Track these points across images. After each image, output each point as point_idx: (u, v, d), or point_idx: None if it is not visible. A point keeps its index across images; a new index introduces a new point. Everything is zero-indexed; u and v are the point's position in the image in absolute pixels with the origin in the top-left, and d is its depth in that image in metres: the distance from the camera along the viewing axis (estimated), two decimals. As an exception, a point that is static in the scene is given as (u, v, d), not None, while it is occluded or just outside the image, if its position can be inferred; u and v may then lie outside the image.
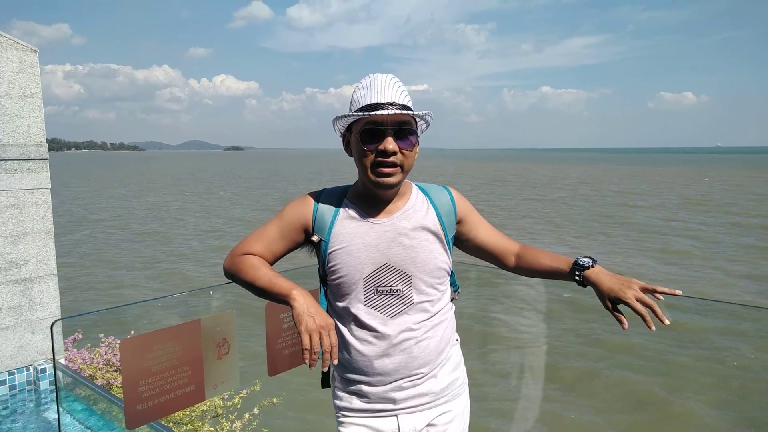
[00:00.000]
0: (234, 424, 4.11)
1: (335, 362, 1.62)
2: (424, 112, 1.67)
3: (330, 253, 1.71)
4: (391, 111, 1.57)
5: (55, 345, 3.74)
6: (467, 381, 1.93)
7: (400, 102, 1.63)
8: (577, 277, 1.72)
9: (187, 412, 4.05)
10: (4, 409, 3.78)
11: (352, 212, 1.73)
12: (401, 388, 1.72)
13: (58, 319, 3.58)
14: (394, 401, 1.73)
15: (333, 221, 1.73)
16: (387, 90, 1.63)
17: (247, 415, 4.16)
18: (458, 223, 1.84)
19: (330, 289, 1.77)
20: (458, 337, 1.93)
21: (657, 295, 1.62)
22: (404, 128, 1.62)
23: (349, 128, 1.71)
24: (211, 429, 4.00)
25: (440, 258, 1.75)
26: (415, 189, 1.83)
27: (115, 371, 4.41)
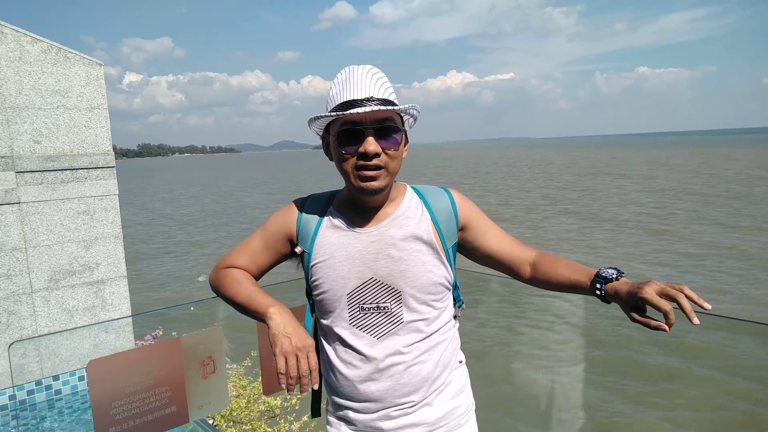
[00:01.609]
0: (292, 425, 4.09)
1: (315, 387, 1.52)
2: (407, 105, 1.45)
3: (312, 266, 1.55)
4: (369, 108, 1.36)
5: (14, 367, 3.80)
6: (473, 408, 1.68)
7: (380, 96, 1.42)
8: (598, 291, 1.41)
9: (246, 412, 4.10)
10: (83, 402, 4.05)
11: (336, 221, 1.55)
12: (389, 417, 1.52)
13: (16, 341, 3.74)
14: (382, 431, 1.52)
15: (316, 231, 1.56)
16: (364, 84, 1.43)
17: (305, 417, 4.13)
18: (461, 230, 1.60)
19: (315, 305, 1.61)
20: (462, 359, 1.69)
21: (682, 301, 1.23)
22: (386, 126, 1.42)
23: (327, 129, 1.52)
24: (269, 429, 4.02)
25: (435, 271, 1.52)
26: (409, 193, 1.60)
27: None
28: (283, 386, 1.40)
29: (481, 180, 42.25)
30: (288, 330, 1.42)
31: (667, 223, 18.42)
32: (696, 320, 1.21)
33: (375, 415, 1.51)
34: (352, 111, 1.36)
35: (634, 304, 1.31)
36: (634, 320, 1.33)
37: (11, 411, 3.78)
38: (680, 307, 1.22)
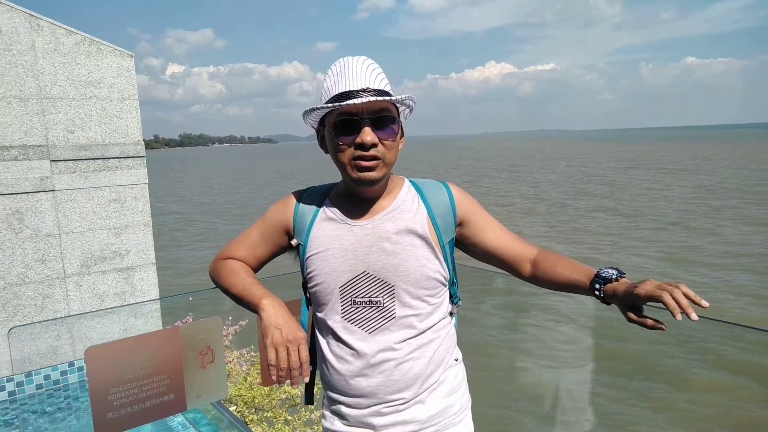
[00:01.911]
0: (312, 414, 4.12)
1: (306, 380, 1.53)
2: (404, 96, 1.45)
3: (307, 258, 1.56)
4: (365, 98, 1.36)
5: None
6: (469, 408, 1.66)
7: (376, 87, 1.43)
8: (597, 292, 1.38)
9: (268, 400, 4.16)
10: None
11: (331, 213, 1.56)
12: (380, 414, 1.52)
13: (15, 327, 3.85)
14: (373, 427, 1.53)
15: (311, 223, 1.58)
16: (359, 75, 1.43)
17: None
18: (459, 225, 1.58)
19: (311, 298, 1.62)
20: (459, 357, 1.66)
21: (678, 296, 1.18)
22: (382, 116, 1.42)
23: (322, 121, 1.52)
24: (289, 417, 4.07)
25: (429, 266, 1.50)
26: (406, 186, 1.60)
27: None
28: (274, 378, 1.42)
29: (515, 173, 41.30)
30: (279, 322, 1.43)
31: (711, 222, 17.58)
32: (694, 315, 1.16)
33: (366, 411, 1.51)
34: (349, 102, 1.36)
35: (630, 304, 1.27)
36: (630, 320, 1.28)
37: (14, 397, 3.95)
38: (677, 302, 1.17)
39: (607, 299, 1.35)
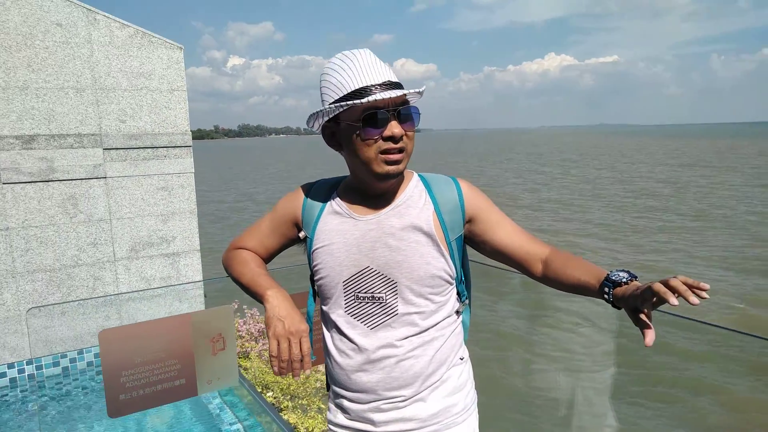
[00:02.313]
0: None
1: (307, 372, 1.53)
2: (422, 88, 1.45)
3: (313, 251, 1.56)
4: (396, 92, 1.37)
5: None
6: (474, 408, 1.62)
7: (394, 80, 1.43)
8: (606, 296, 1.31)
9: (303, 388, 4.22)
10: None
11: (337, 207, 1.56)
12: (380, 410, 1.51)
13: (34, 307, 3.97)
14: (373, 423, 1.53)
15: (318, 216, 1.58)
16: (376, 68, 1.42)
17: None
18: (468, 221, 1.54)
19: (318, 291, 1.62)
20: (465, 356, 1.63)
21: (673, 282, 1.11)
22: (407, 107, 1.42)
23: (333, 119, 1.50)
24: (322, 405, 4.10)
25: (434, 263, 1.47)
26: (414, 180, 1.57)
27: (253, 341, 4.79)
28: (276, 369, 1.42)
29: (571, 167, 39.63)
30: (282, 313, 1.42)
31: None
32: (694, 299, 1.08)
33: (366, 406, 1.50)
34: (384, 95, 1.35)
35: (633, 306, 1.21)
36: (638, 324, 1.20)
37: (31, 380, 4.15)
38: (671, 288, 1.09)
39: (616, 303, 1.28)
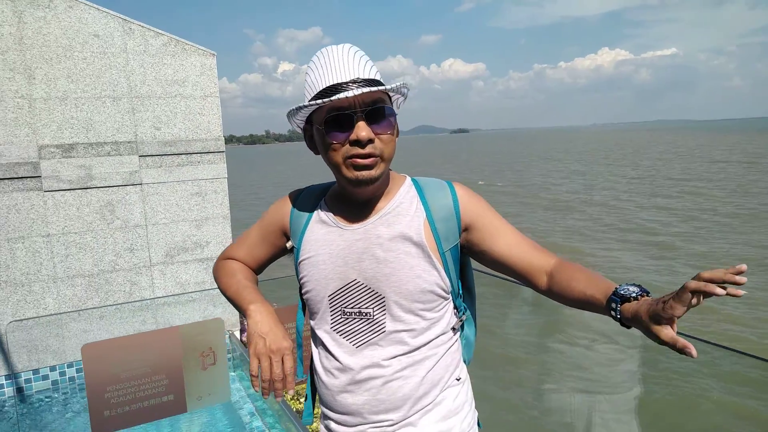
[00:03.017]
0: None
1: (290, 393, 1.46)
2: (398, 83, 1.30)
3: (299, 263, 1.47)
4: (358, 90, 1.23)
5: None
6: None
7: (366, 76, 1.28)
8: (613, 312, 1.14)
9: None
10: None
11: (324, 215, 1.45)
12: None
13: (14, 321, 3.97)
14: None
15: (306, 225, 1.48)
16: (347, 65, 1.29)
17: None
18: (465, 230, 1.40)
19: (305, 305, 1.53)
20: (462, 376, 1.49)
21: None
22: (377, 108, 1.28)
23: (309, 120, 1.41)
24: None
25: (425, 277, 1.34)
26: (406, 185, 1.44)
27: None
28: (256, 390, 1.34)
29: (626, 166, 37.05)
30: (264, 329, 1.33)
31: None
32: (741, 278, 0.90)
33: (352, 430, 1.39)
34: (340, 96, 1.21)
35: (649, 323, 1.01)
36: (662, 342, 1.01)
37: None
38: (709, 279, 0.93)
39: (625, 321, 1.10)
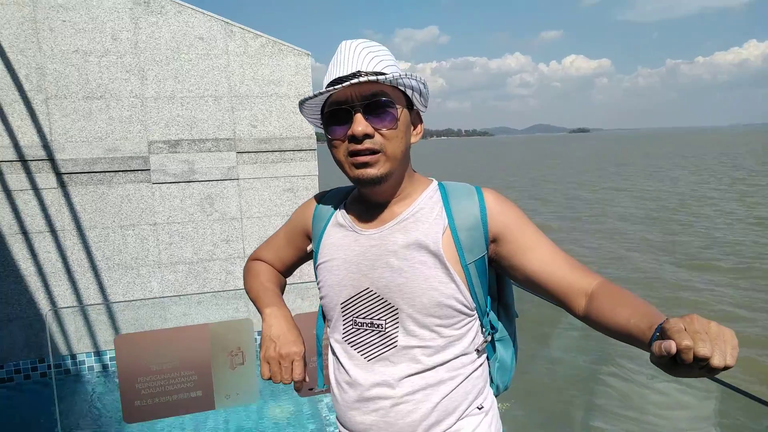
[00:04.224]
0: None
1: (308, 391, 1.46)
2: (398, 74, 1.21)
3: (316, 266, 1.45)
4: (347, 83, 1.19)
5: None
6: None
7: (369, 70, 1.23)
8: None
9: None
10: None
11: (342, 218, 1.41)
12: None
13: (52, 309, 4.07)
14: None
15: (324, 228, 1.45)
16: (350, 59, 1.25)
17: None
18: (493, 241, 1.28)
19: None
20: (486, 404, 1.36)
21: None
22: (376, 101, 1.21)
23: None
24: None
25: (441, 289, 1.24)
26: (430, 190, 1.35)
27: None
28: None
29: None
30: (274, 333, 1.31)
31: None
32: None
33: None
34: (332, 89, 1.18)
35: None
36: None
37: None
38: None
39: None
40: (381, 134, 1.19)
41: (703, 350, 0.82)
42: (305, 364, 1.29)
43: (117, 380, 2.05)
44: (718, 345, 0.82)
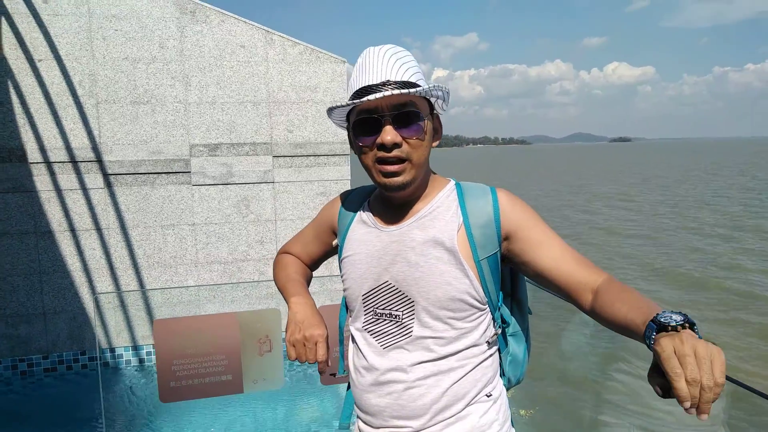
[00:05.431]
0: None
1: (329, 372, 1.57)
2: (429, 86, 1.32)
3: (341, 260, 1.57)
4: (380, 93, 1.27)
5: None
6: None
7: (398, 79, 1.32)
8: (648, 341, 1.04)
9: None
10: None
11: (365, 216, 1.53)
12: None
13: (101, 294, 4.17)
14: None
15: (349, 225, 1.57)
16: (379, 67, 1.34)
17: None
18: (506, 239, 1.37)
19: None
20: (494, 393, 1.44)
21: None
22: (405, 112, 1.31)
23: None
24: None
25: (455, 284, 1.33)
26: (447, 189, 1.44)
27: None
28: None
29: None
30: (299, 318, 1.42)
31: None
32: (703, 416, 0.89)
33: (376, 431, 1.41)
34: (363, 99, 1.26)
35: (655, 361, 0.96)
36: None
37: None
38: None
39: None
40: (408, 143, 1.27)
41: (689, 390, 0.88)
42: (328, 347, 1.37)
43: (154, 368, 2.17)
44: (704, 368, 0.87)
